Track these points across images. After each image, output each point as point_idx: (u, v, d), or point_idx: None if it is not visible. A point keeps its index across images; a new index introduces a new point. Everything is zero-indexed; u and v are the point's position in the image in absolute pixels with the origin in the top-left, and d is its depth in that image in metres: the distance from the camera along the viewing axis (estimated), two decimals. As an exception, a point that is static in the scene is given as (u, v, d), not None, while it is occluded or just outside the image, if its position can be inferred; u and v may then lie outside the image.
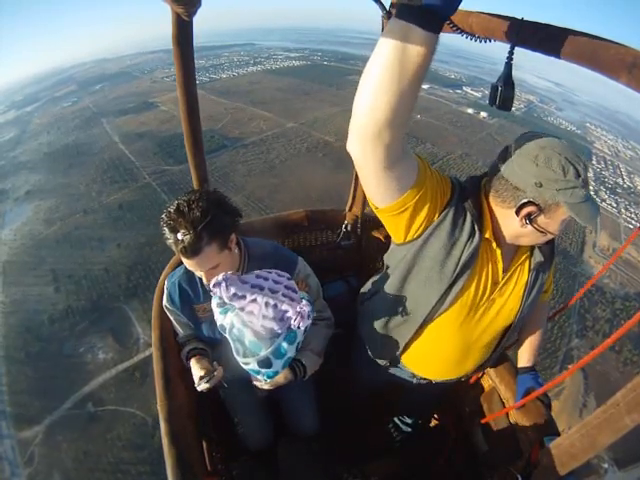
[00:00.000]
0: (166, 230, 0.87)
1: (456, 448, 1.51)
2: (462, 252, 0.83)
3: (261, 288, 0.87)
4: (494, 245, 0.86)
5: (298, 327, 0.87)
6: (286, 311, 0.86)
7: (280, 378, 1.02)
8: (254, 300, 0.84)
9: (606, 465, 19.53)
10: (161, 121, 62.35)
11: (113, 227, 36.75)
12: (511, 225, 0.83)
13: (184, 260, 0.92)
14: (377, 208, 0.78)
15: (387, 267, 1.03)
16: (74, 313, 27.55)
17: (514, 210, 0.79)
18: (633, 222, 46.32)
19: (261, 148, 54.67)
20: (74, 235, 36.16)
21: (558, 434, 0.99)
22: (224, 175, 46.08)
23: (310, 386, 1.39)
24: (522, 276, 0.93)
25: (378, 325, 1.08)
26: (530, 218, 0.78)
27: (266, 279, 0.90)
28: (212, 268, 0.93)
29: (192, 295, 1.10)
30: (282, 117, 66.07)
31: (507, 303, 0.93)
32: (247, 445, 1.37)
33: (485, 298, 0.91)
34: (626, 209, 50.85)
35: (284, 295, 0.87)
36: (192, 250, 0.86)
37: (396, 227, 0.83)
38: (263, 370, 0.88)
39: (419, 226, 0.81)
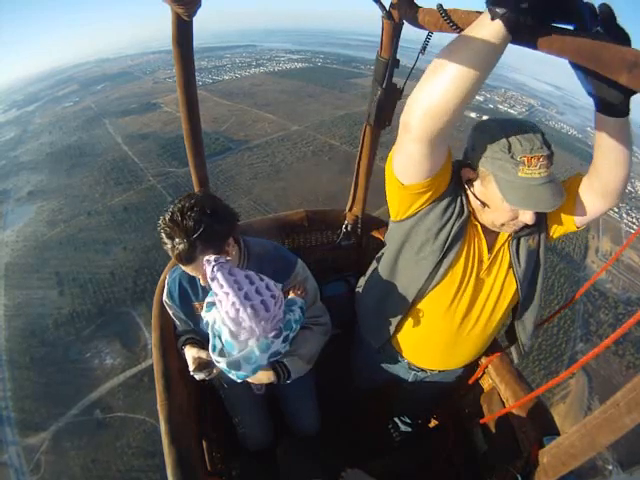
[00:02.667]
0: (163, 236, 0.89)
1: (456, 448, 1.49)
2: (453, 225, 0.85)
3: (240, 288, 0.83)
4: (474, 220, 0.88)
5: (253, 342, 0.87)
6: (243, 321, 0.83)
7: (263, 378, 1.04)
8: (227, 294, 0.82)
9: (611, 467, 19.89)
10: (164, 122, 62.20)
11: (118, 230, 36.51)
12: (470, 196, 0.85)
13: (180, 266, 0.95)
14: (402, 185, 0.79)
15: (384, 246, 1.05)
16: (80, 317, 27.29)
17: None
18: (635, 227, 46.72)
19: (266, 151, 54.61)
20: (78, 237, 35.87)
21: (558, 434, 0.99)
22: (230, 178, 45.79)
23: (310, 386, 1.40)
24: (505, 257, 0.92)
25: (373, 304, 1.10)
26: (469, 183, 0.81)
27: (252, 283, 0.85)
28: None
29: (191, 293, 1.12)
30: (286, 120, 66.14)
31: (495, 286, 0.91)
32: (247, 445, 1.37)
33: (473, 276, 0.91)
34: (627, 214, 51.31)
35: (253, 307, 0.84)
36: (186, 258, 0.89)
37: (408, 204, 0.85)
38: (233, 371, 0.89)
39: (425, 202, 0.84)
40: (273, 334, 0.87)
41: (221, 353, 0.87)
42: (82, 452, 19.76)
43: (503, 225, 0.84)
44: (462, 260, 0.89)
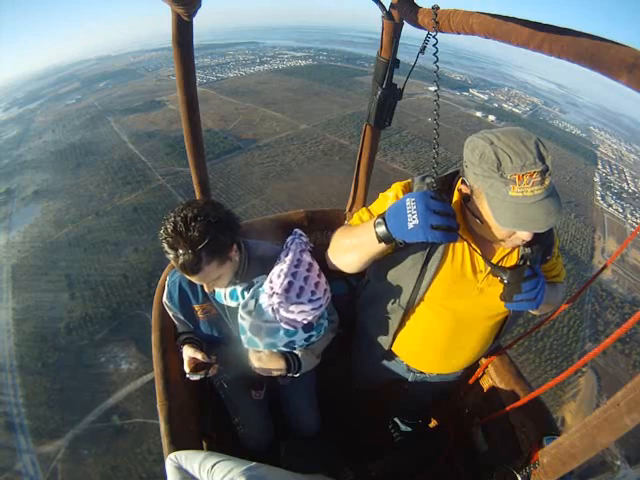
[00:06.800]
0: (165, 246, 0.88)
1: (456, 448, 1.50)
2: (429, 243, 0.86)
3: (296, 265, 0.88)
4: (466, 233, 0.87)
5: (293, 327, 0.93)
6: (275, 286, 0.87)
7: (274, 365, 1.04)
8: (285, 262, 0.86)
9: (619, 462, 20.32)
10: (170, 120, 61.25)
11: (129, 230, 35.84)
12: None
13: (184, 275, 0.94)
14: None
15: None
16: (92, 321, 26.73)
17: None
18: (641, 227, 47.45)
19: (276, 150, 53.94)
20: (87, 238, 35.19)
21: (558, 434, 0.99)
22: (241, 178, 45.13)
23: (311, 387, 1.39)
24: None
25: (371, 314, 1.13)
26: (465, 198, 0.83)
27: (308, 270, 0.91)
28: (214, 279, 0.95)
29: (191, 296, 1.12)
30: (294, 118, 65.53)
31: (495, 294, 0.88)
32: (247, 445, 1.36)
33: (467, 286, 0.91)
34: (632, 214, 51.49)
35: (290, 283, 0.89)
36: (192, 269, 0.88)
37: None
38: (248, 334, 0.92)
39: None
40: (302, 325, 0.90)
41: (249, 312, 0.91)
42: (101, 459, 19.30)
43: (502, 240, 0.82)
44: (448, 272, 0.89)
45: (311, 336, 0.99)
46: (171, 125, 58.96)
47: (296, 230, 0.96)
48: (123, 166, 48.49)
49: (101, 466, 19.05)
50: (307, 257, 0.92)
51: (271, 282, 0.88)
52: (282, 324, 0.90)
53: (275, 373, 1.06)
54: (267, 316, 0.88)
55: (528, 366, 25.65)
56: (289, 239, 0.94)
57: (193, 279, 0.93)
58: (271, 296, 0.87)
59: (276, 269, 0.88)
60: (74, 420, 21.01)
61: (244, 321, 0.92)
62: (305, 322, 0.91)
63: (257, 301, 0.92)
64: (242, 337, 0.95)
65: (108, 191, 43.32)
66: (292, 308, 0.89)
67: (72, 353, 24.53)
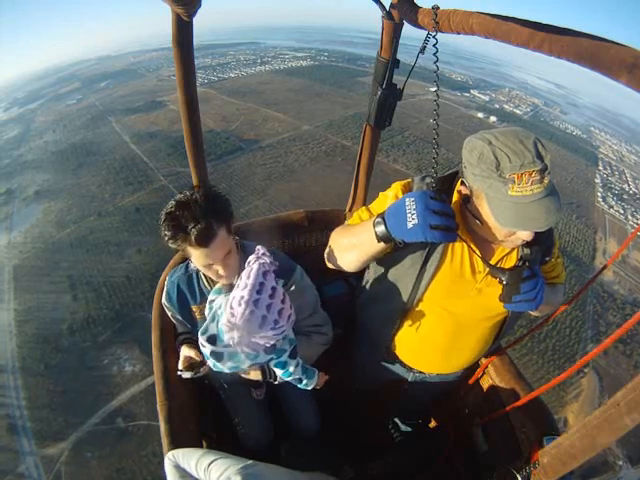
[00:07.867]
0: (171, 231, 0.86)
1: (456, 448, 1.49)
2: (428, 243, 0.86)
3: (258, 292, 0.84)
4: (465, 233, 0.87)
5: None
6: (237, 315, 0.83)
7: (251, 372, 1.07)
8: (246, 285, 0.84)
9: (621, 462, 20.45)
10: (172, 121, 61.18)
11: (131, 231, 35.79)
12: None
13: (198, 253, 0.90)
14: None
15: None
16: (95, 322, 26.65)
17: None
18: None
19: (279, 151, 53.94)
20: (89, 239, 35.11)
21: (558, 434, 0.99)
22: (244, 179, 45.18)
23: None
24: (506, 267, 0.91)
25: (370, 314, 1.14)
26: (465, 199, 0.83)
27: (271, 297, 0.86)
28: (227, 254, 0.94)
29: (189, 296, 1.12)
30: (296, 119, 65.55)
31: (494, 295, 0.87)
32: (247, 445, 1.35)
33: (466, 286, 0.91)
34: (633, 215, 51.56)
35: (252, 313, 0.84)
36: (206, 237, 0.86)
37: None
38: (212, 360, 0.90)
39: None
40: (264, 348, 0.88)
41: (210, 339, 0.88)
42: (105, 462, 19.23)
43: (502, 241, 0.83)
44: (447, 272, 0.89)
45: (272, 359, 0.96)
46: (172, 125, 58.87)
47: (259, 248, 0.90)
48: (125, 166, 48.43)
49: (105, 469, 18.98)
50: (270, 280, 0.86)
51: (232, 308, 0.83)
52: (244, 348, 0.87)
53: (254, 377, 1.08)
54: (226, 341, 0.85)
55: (531, 367, 25.70)
56: (251, 257, 0.88)
57: (207, 252, 0.89)
58: (232, 329, 0.82)
59: (237, 294, 0.83)
60: (77, 422, 20.94)
61: (205, 349, 0.89)
62: (267, 345, 0.88)
63: (218, 324, 0.88)
64: (208, 361, 0.92)
65: (110, 191, 43.27)
66: (249, 335, 0.85)
67: (75, 355, 24.45)
